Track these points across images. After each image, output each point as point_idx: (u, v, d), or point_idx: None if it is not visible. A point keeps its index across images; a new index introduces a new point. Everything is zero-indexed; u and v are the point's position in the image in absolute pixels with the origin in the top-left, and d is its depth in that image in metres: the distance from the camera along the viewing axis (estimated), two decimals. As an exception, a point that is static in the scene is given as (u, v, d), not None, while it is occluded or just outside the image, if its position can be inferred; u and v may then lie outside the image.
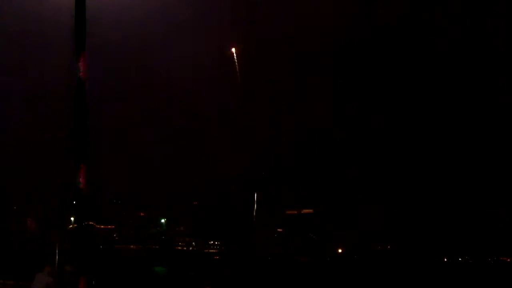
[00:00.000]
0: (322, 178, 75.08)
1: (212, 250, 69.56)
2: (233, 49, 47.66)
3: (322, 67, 72.26)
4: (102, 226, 75.19)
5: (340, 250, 72.58)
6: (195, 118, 73.38)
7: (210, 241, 73.98)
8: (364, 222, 71.90)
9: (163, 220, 77.42)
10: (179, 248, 70.14)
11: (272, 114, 71.45)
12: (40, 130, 62.68)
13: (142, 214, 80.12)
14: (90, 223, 74.92)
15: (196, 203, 78.44)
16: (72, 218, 74.71)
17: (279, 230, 75.89)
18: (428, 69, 72.76)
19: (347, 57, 72.57)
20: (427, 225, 70.93)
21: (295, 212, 77.30)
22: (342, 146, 74.72)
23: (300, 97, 72.81)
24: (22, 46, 57.88)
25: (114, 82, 65.41)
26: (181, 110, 73.59)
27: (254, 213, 65.87)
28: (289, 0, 70.08)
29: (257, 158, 69.09)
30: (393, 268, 54.44)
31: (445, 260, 67.27)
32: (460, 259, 66.22)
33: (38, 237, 56.01)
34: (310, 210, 77.07)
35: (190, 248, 71.40)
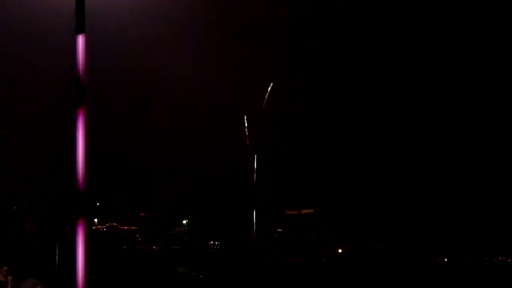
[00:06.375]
0: (322, 178, 75.18)
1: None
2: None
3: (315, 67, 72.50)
4: (125, 227, 75.55)
5: (340, 250, 72.59)
6: (195, 119, 73.41)
7: (210, 241, 74.06)
8: (364, 222, 71.95)
9: (185, 221, 77.64)
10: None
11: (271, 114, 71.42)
12: (40, 131, 62.74)
13: (142, 214, 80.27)
14: (114, 224, 75.43)
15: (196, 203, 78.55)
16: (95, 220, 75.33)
17: (279, 230, 75.93)
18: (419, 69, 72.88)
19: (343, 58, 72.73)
20: (427, 225, 70.98)
21: (295, 212, 77.33)
22: (341, 147, 74.80)
23: (299, 97, 72.85)
24: (22, 45, 57.99)
25: (115, 81, 65.49)
26: (181, 111, 73.65)
27: (254, 214, 65.86)
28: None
29: (257, 158, 69.06)
30: (393, 268, 54.43)
31: (445, 260, 67.27)
32: (461, 259, 66.26)
33: (38, 237, 56.04)
34: (310, 210, 77.12)
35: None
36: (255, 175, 65.08)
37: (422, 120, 73.76)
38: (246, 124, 46.90)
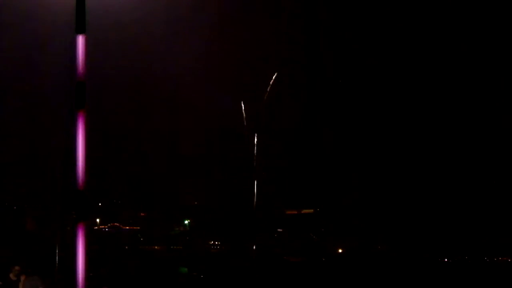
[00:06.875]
0: (322, 178, 75.15)
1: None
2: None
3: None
4: (127, 227, 75.62)
5: (340, 250, 72.59)
6: (194, 119, 73.45)
7: (210, 241, 74.05)
8: (364, 222, 71.93)
9: (186, 221, 77.60)
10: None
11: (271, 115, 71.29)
12: (40, 131, 62.69)
13: (142, 214, 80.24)
14: (116, 224, 75.49)
15: (196, 203, 78.57)
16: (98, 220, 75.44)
17: (279, 230, 75.90)
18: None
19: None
20: (428, 226, 70.98)
21: (295, 212, 77.29)
22: (341, 147, 74.80)
23: (299, 97, 72.83)
24: (22, 46, 57.95)
25: (115, 81, 65.46)
26: (180, 111, 73.67)
27: (254, 213, 65.78)
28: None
29: (256, 158, 68.95)
30: (392, 268, 54.46)
31: (445, 260, 67.29)
32: (460, 259, 66.30)
33: (37, 237, 56.01)
34: (310, 210, 77.07)
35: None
36: (255, 175, 65.00)
37: (422, 120, 73.80)
38: (243, 111, 46.64)
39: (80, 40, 13.93)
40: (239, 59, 68.76)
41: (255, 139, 45.71)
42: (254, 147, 45.32)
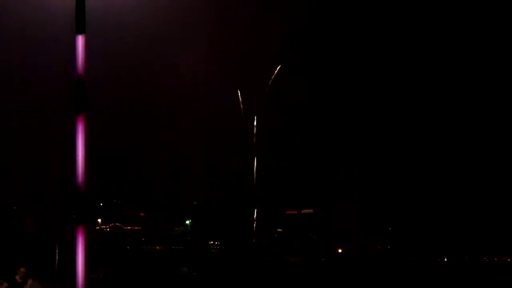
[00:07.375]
0: (322, 178, 75.20)
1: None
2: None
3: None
4: (129, 228, 75.81)
5: (340, 250, 72.67)
6: (194, 119, 73.48)
7: (210, 241, 74.12)
8: (364, 222, 71.98)
9: (188, 221, 77.76)
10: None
11: (271, 115, 71.46)
12: (39, 130, 62.71)
13: (142, 214, 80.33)
14: (117, 224, 75.67)
15: (196, 203, 78.65)
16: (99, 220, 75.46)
17: (279, 230, 75.99)
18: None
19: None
20: (427, 225, 71.04)
21: (295, 212, 77.38)
22: (342, 147, 74.84)
23: (299, 97, 72.88)
24: (22, 47, 57.94)
25: (115, 81, 65.50)
26: (180, 111, 73.71)
27: (255, 213, 65.96)
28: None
29: (256, 159, 69.11)
30: (393, 268, 54.50)
31: (445, 260, 67.34)
32: (460, 259, 66.34)
33: (37, 237, 56.01)
34: (310, 210, 77.16)
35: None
36: (255, 174, 65.20)
37: (422, 120, 73.85)
38: (240, 99, 46.75)
39: (80, 40, 13.94)
40: (239, 59, 68.81)
41: (254, 139, 45.80)
42: (253, 136, 45.35)
